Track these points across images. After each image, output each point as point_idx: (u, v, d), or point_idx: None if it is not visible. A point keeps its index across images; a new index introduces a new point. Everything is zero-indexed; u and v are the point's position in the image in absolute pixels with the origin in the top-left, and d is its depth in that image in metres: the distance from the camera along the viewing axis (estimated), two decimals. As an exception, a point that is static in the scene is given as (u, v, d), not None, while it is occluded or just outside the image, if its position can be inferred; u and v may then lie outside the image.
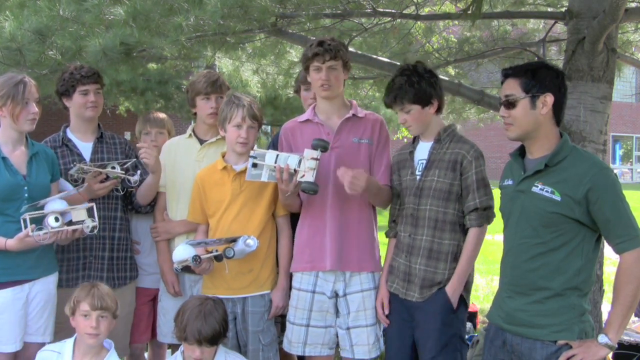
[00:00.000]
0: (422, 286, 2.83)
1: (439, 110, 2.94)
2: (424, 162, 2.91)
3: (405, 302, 2.90)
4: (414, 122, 2.90)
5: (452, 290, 2.80)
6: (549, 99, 2.37)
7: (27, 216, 2.78)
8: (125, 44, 3.40)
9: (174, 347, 3.46)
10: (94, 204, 3.00)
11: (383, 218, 3.27)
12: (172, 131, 3.85)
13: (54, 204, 2.87)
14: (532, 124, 2.39)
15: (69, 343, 2.85)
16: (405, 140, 17.56)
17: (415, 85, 2.83)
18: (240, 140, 3.05)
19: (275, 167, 2.83)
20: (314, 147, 2.81)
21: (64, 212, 2.88)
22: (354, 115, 3.04)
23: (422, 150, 2.95)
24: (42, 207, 2.87)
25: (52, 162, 3.09)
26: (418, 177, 2.91)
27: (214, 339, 2.75)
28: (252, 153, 2.87)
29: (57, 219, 2.84)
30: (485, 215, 2.82)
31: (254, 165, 2.86)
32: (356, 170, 2.79)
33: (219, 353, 2.87)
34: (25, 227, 2.78)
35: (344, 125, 3.03)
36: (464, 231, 2.87)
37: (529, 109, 2.38)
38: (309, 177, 2.79)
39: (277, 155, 2.85)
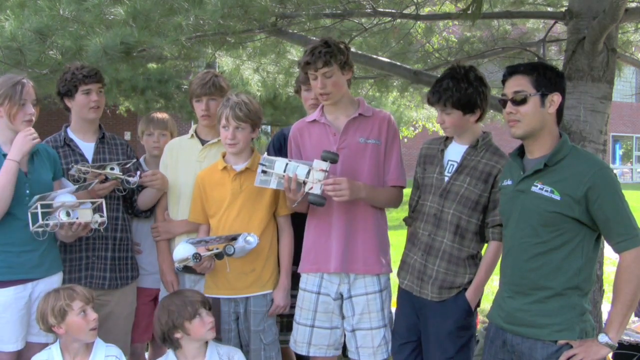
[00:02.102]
0: (442, 287, 2.84)
1: (479, 118, 2.89)
2: (455, 164, 2.88)
3: (417, 300, 2.90)
4: (451, 125, 2.86)
5: (471, 297, 2.84)
6: (556, 98, 2.37)
7: (39, 209, 2.75)
8: (125, 43, 3.40)
9: (174, 347, 3.46)
10: (103, 200, 2.99)
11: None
12: (174, 132, 3.85)
13: (64, 197, 2.87)
14: (539, 122, 2.38)
15: (55, 349, 2.84)
16: (406, 140, 17.53)
17: (463, 91, 2.77)
18: (228, 141, 3.04)
19: (284, 175, 2.83)
20: (323, 159, 2.79)
21: (73, 209, 2.88)
22: (360, 114, 3.02)
23: (454, 152, 2.92)
24: (50, 202, 2.87)
25: (54, 160, 3.09)
26: (446, 179, 2.87)
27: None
28: (261, 160, 2.86)
29: (68, 214, 2.84)
30: None
31: (264, 171, 2.86)
32: (336, 178, 2.79)
33: (210, 349, 2.89)
34: (35, 220, 2.76)
35: (350, 125, 3.00)
36: (484, 241, 2.88)
37: (539, 106, 2.37)
38: (317, 189, 2.79)
39: (287, 164, 2.83)
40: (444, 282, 2.84)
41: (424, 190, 2.98)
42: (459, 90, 2.77)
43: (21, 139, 2.81)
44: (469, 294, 2.83)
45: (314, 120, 3.07)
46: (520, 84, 2.39)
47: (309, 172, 2.80)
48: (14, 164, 2.79)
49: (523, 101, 2.37)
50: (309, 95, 3.43)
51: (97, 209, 2.97)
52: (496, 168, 2.81)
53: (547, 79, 2.37)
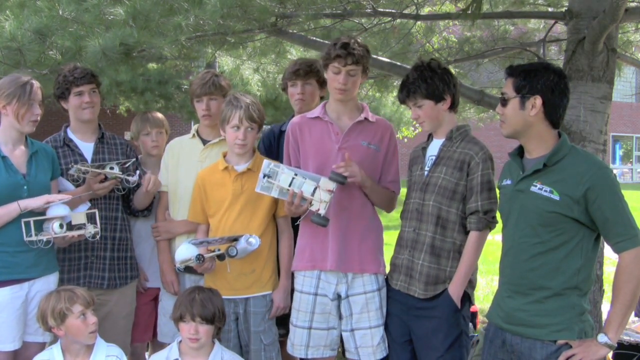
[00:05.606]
0: (427, 282, 2.83)
1: (452, 107, 2.95)
2: (434, 158, 2.93)
3: (407, 299, 2.89)
4: (426, 117, 2.91)
5: (454, 291, 2.81)
6: (537, 101, 2.38)
7: (31, 220, 2.79)
8: (125, 44, 3.40)
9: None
10: (96, 211, 3.01)
11: (383, 218, 3.27)
12: (169, 130, 3.85)
13: (57, 210, 2.87)
14: (521, 124, 2.41)
15: (56, 350, 2.85)
16: (406, 140, 17.57)
17: (428, 80, 2.86)
18: (238, 142, 3.04)
19: (288, 189, 2.83)
20: (332, 179, 2.80)
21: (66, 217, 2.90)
22: (365, 119, 3.04)
23: (434, 147, 2.97)
24: (43, 210, 2.88)
25: (53, 159, 3.09)
26: (426, 173, 2.92)
27: (209, 317, 2.78)
28: (265, 169, 2.86)
29: (61, 226, 2.87)
30: (485, 220, 2.80)
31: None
32: (345, 161, 2.84)
33: (215, 349, 2.88)
34: (28, 231, 2.79)
35: (355, 128, 3.02)
36: (467, 233, 2.87)
37: (518, 109, 2.41)
38: (322, 210, 2.80)
39: (293, 179, 2.83)
40: (429, 276, 2.82)
41: (409, 190, 3.02)
42: (424, 79, 2.86)
43: (44, 200, 2.84)
44: (451, 288, 2.81)
45: (317, 117, 3.07)
46: (506, 86, 2.46)
47: (315, 190, 2.80)
48: (18, 210, 2.81)
49: (505, 103, 2.44)
50: (294, 90, 3.45)
51: (90, 219, 2.98)
52: (469, 155, 2.84)
53: (528, 82, 2.38)
